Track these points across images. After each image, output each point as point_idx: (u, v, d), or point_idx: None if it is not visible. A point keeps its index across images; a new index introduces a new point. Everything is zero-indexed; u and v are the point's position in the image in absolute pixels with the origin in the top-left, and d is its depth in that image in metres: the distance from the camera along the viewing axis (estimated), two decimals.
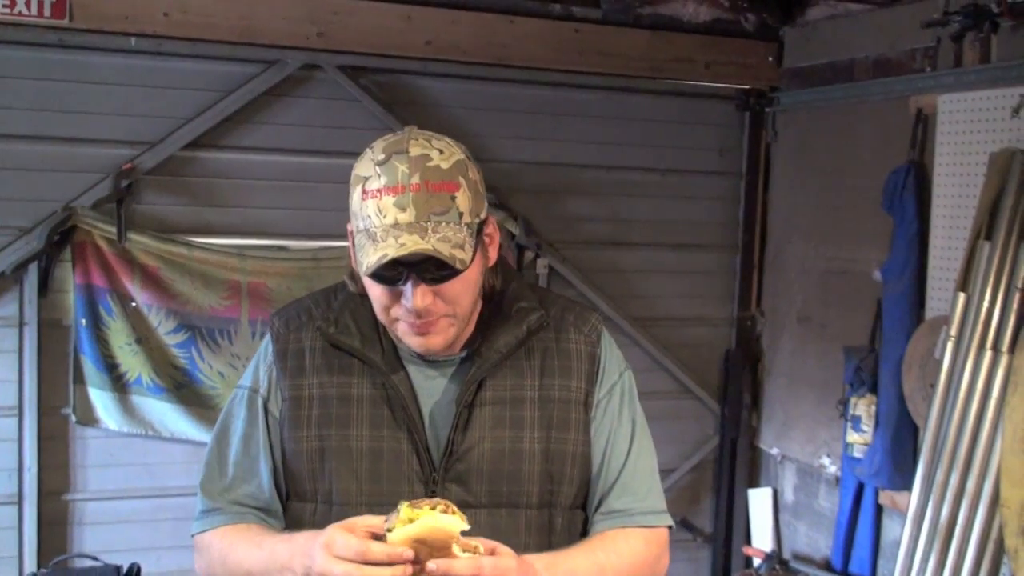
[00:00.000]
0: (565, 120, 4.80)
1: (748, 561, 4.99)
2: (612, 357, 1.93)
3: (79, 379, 4.18)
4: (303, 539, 1.61)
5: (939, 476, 3.42)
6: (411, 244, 1.60)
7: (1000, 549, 3.25)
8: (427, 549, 1.49)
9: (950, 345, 3.46)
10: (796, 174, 4.91)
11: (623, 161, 4.90)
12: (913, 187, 3.91)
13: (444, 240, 1.62)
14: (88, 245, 4.13)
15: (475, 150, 4.70)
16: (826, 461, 4.61)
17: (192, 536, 1.89)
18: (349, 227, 1.73)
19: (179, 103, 4.23)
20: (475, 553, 1.49)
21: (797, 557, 4.80)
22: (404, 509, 1.46)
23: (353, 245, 1.72)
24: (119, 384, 4.22)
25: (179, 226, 4.28)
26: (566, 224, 4.83)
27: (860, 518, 4.36)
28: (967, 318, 3.42)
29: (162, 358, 4.27)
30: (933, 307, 3.83)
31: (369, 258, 1.62)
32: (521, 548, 1.77)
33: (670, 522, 1.93)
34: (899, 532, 3.59)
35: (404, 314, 1.71)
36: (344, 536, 1.49)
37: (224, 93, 4.26)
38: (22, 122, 4.06)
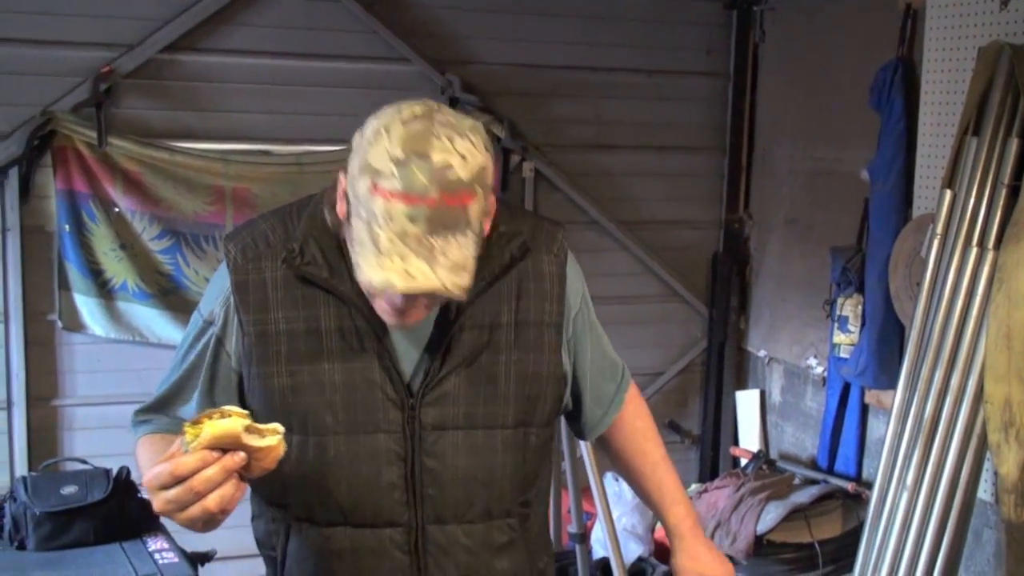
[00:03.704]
0: (550, 21, 4.73)
1: (735, 461, 5.04)
2: (575, 270, 1.95)
3: (64, 285, 4.19)
4: None
5: (923, 373, 3.43)
6: (420, 278, 1.52)
7: (983, 444, 3.27)
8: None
9: (936, 243, 3.44)
10: (784, 74, 4.86)
11: (609, 62, 4.85)
12: (901, 84, 3.87)
13: (453, 268, 1.55)
14: (69, 150, 4.09)
15: (460, 52, 4.69)
16: (813, 362, 4.63)
17: None
18: (343, 177, 1.64)
19: (157, 4, 4.17)
20: (272, 434, 1.50)
21: (784, 457, 4.85)
22: (187, 429, 1.46)
23: (346, 200, 1.64)
24: (104, 290, 4.21)
25: (160, 131, 4.25)
26: (552, 127, 4.79)
27: (846, 417, 4.40)
28: (953, 215, 3.40)
29: (147, 264, 4.25)
30: (920, 205, 3.81)
31: (371, 273, 1.54)
32: (498, 467, 1.83)
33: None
34: (884, 431, 3.62)
35: (382, 299, 1.67)
36: (155, 468, 1.47)
37: None
38: None
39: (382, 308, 1.69)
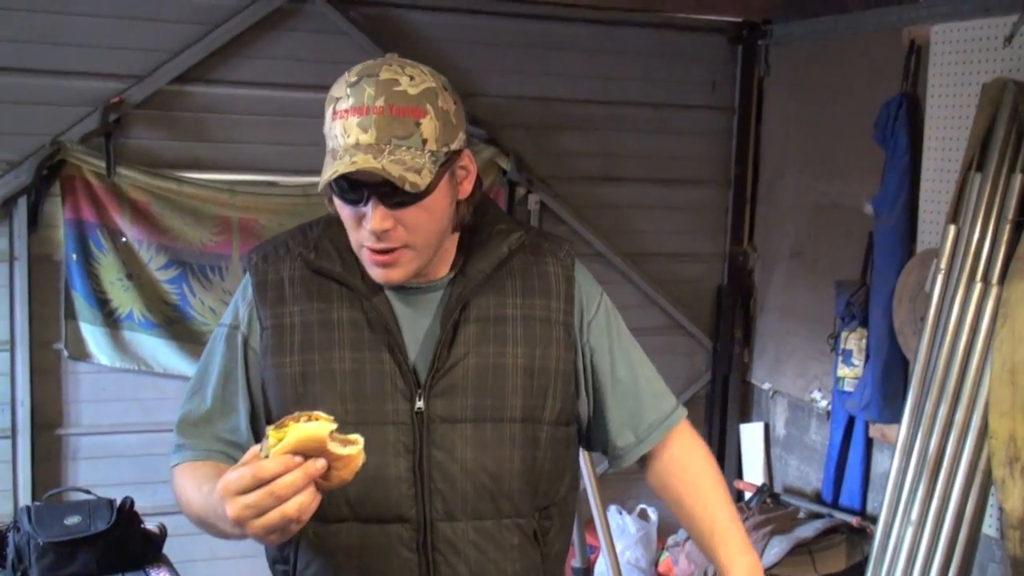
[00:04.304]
0: (556, 54, 4.76)
1: (740, 495, 5.03)
2: (587, 279, 1.98)
3: (70, 314, 4.19)
4: (213, 491, 1.55)
5: (928, 408, 3.44)
6: (361, 162, 1.61)
7: (988, 479, 3.27)
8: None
9: (940, 278, 3.46)
10: (789, 107, 4.88)
11: (615, 96, 4.87)
12: (905, 119, 3.89)
13: (398, 162, 1.63)
14: (77, 180, 4.11)
15: (466, 85, 4.72)
16: (817, 395, 4.63)
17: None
18: None
19: (167, 36, 4.19)
20: (354, 444, 1.48)
21: (788, 490, 4.84)
22: (271, 433, 1.44)
23: None
24: (111, 319, 4.23)
25: (168, 161, 4.26)
26: (557, 159, 4.81)
27: (850, 451, 4.39)
28: (957, 250, 3.41)
29: (153, 294, 4.27)
30: (924, 240, 3.83)
31: (324, 174, 1.65)
32: (506, 460, 1.83)
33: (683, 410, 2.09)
34: (888, 465, 3.62)
35: (366, 238, 1.72)
36: (234, 472, 1.46)
37: (212, 26, 4.22)
38: (8, 54, 4.03)
39: (367, 258, 1.76)
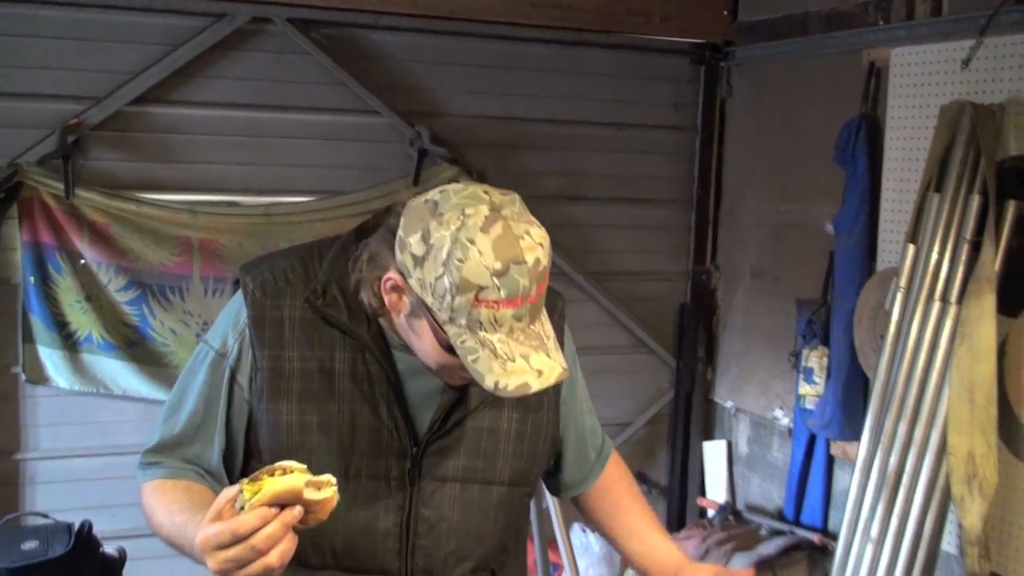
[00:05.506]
0: (519, 74, 4.77)
1: (702, 512, 5.04)
2: (570, 338, 2.02)
3: (28, 338, 4.14)
4: (193, 534, 1.55)
5: (888, 426, 3.45)
6: (547, 371, 1.60)
7: (946, 497, 3.29)
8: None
9: (899, 296, 3.48)
10: (750, 128, 4.91)
11: (577, 115, 4.89)
12: (865, 140, 3.92)
13: (556, 347, 1.64)
14: (35, 202, 4.07)
15: (428, 105, 4.71)
16: (779, 413, 4.65)
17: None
18: (394, 276, 1.66)
19: (126, 57, 4.16)
20: (328, 485, 1.50)
21: (750, 508, 4.85)
22: (245, 487, 1.46)
23: (405, 298, 1.67)
24: (69, 342, 4.18)
25: (128, 182, 4.23)
26: (521, 178, 4.81)
27: (812, 469, 4.41)
28: (916, 270, 3.44)
29: (113, 316, 4.23)
30: (884, 259, 3.86)
31: (502, 379, 1.57)
32: (490, 523, 1.87)
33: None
34: (849, 482, 3.63)
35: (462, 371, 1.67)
36: (213, 528, 1.46)
37: (172, 47, 4.19)
38: None
39: (450, 377, 1.74)
